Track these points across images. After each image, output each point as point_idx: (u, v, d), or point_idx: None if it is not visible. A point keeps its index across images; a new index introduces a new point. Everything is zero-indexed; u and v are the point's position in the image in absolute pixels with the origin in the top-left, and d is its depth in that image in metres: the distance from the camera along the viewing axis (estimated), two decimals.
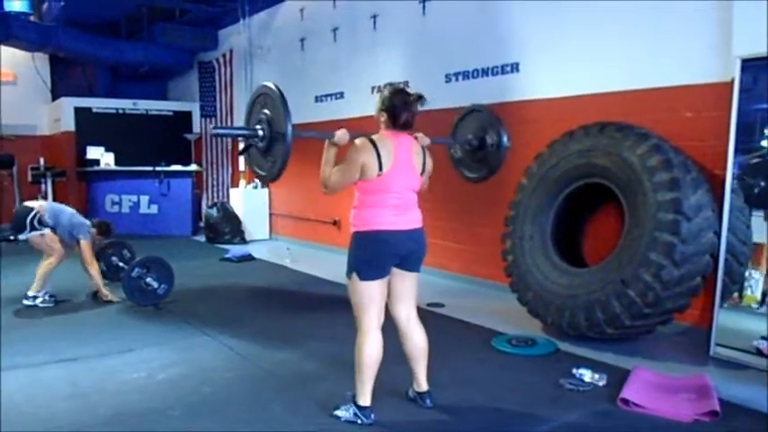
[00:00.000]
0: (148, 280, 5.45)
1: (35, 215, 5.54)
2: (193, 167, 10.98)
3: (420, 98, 3.17)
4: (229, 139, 11.24)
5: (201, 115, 11.86)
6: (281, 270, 7.46)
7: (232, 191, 10.75)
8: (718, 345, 4.08)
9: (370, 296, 3.12)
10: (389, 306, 3.27)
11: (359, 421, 3.09)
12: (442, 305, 5.57)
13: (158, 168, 10.39)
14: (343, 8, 8.14)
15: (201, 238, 10.02)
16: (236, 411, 3.30)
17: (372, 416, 3.10)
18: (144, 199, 10.58)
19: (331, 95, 8.48)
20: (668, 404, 3.24)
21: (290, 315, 5.35)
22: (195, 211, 10.83)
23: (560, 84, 5.45)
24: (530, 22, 5.75)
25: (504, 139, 4.16)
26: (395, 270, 3.20)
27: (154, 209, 10.55)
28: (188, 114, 12.06)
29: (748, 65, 4.03)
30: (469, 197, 6.48)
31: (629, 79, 4.89)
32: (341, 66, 8.22)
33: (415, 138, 3.34)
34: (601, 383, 3.57)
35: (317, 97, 8.75)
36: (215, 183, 11.68)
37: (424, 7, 6.87)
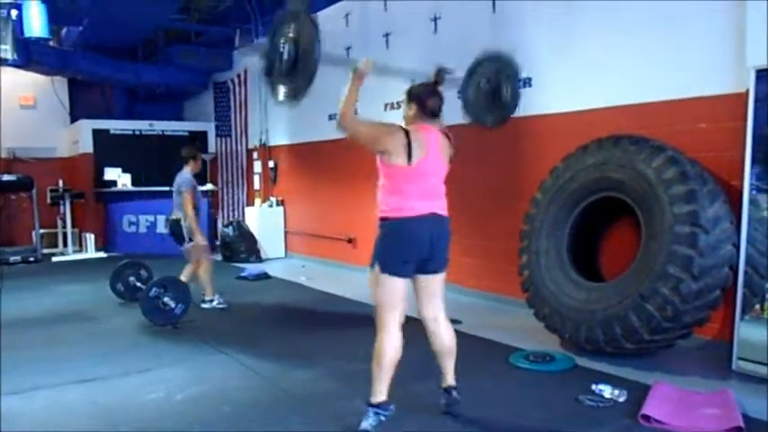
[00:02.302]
0: (165, 299, 5.48)
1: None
2: (209, 186, 11.07)
3: (441, 71, 3.34)
4: (244, 159, 11.33)
5: (217, 135, 11.99)
6: (297, 288, 7.48)
7: (247, 209, 10.82)
8: (740, 358, 4.01)
9: (392, 292, 3.10)
10: (418, 308, 3.30)
11: (382, 417, 3.08)
12: (460, 322, 5.53)
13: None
14: (355, 27, 8.21)
15: (218, 257, 10.06)
16: (255, 430, 3.30)
17: (392, 407, 3.11)
18: (161, 219, 10.64)
19: None
20: (691, 420, 3.19)
21: (306, 333, 5.35)
22: (211, 230, 10.89)
23: (573, 97, 5.45)
24: (541, 37, 5.76)
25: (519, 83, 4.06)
26: (420, 276, 3.22)
27: None
28: (203, 134, 12.18)
29: (763, 75, 4.01)
30: (483, 211, 6.47)
31: (642, 92, 4.88)
32: None
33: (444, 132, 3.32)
34: (621, 399, 3.53)
35: (330, 115, 8.80)
36: (230, 201, 11.77)
37: (435, 25, 6.91)
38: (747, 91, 4.06)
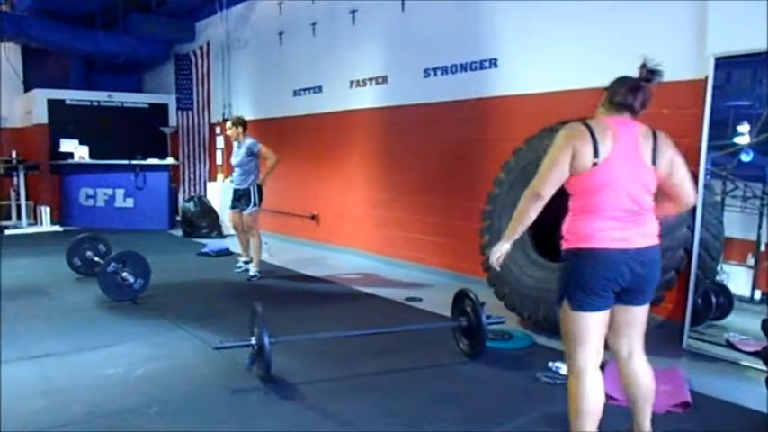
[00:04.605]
0: (124, 275, 5.39)
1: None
2: (170, 161, 10.87)
3: (648, 72, 2.61)
4: (206, 133, 11.16)
5: (178, 108, 11.75)
6: (260, 264, 7.42)
7: (209, 184, 10.67)
8: (690, 337, 4.16)
9: (584, 329, 2.49)
10: (609, 337, 2.64)
11: None
12: (420, 299, 5.61)
13: (134, 162, 10.26)
14: (321, 3, 8.10)
15: (178, 233, 9.94)
16: (214, 407, 3.29)
17: None
18: (119, 192, 10.45)
19: (309, 89, 8.44)
20: None
21: (267, 309, 5.31)
22: (172, 205, 10.73)
23: (538, 79, 5.49)
24: (508, 19, 5.78)
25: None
26: (618, 305, 2.55)
27: (129, 203, 10.43)
28: (164, 107, 11.93)
29: (721, 63, 4.10)
30: (447, 190, 6.51)
31: (607, 76, 4.89)
32: (319, 60, 8.19)
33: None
34: None
35: (295, 91, 8.71)
36: (192, 176, 11.59)
37: (403, 3, 6.86)
38: (706, 78, 4.15)
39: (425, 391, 3.47)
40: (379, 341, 4.25)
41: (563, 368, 3.67)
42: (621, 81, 2.60)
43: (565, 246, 2.59)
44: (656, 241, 2.51)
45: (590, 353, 2.50)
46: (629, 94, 2.54)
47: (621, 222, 2.43)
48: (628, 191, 2.43)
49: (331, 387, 3.58)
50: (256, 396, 3.44)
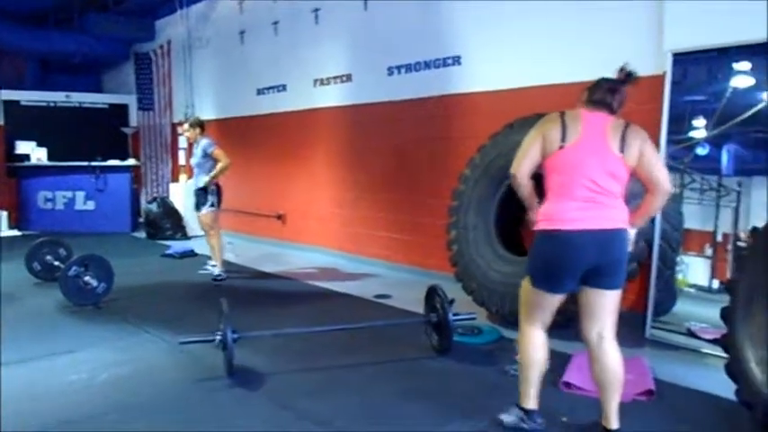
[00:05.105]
0: (87, 278, 5.27)
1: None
2: (131, 162, 10.66)
3: (626, 75, 2.74)
4: (169, 133, 11.00)
5: (139, 108, 11.54)
6: (225, 265, 7.34)
7: (172, 185, 10.51)
8: (653, 327, 4.26)
9: (537, 305, 2.78)
10: (580, 322, 2.80)
11: (525, 426, 2.83)
12: (389, 296, 5.62)
13: (94, 163, 10.04)
14: (283, 3, 8.05)
15: (141, 235, 9.77)
16: (182, 409, 3.25)
17: (540, 420, 2.83)
18: (80, 195, 10.21)
19: (273, 88, 8.38)
20: None
21: (235, 309, 5.26)
22: (134, 207, 10.54)
23: (501, 76, 5.55)
24: (471, 16, 5.82)
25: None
26: (585, 288, 2.70)
27: (90, 205, 10.20)
28: (124, 107, 11.69)
29: (679, 59, 4.21)
30: (413, 188, 6.54)
31: (568, 72, 5.01)
32: (283, 59, 8.13)
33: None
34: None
35: (258, 90, 8.64)
36: (154, 177, 11.40)
37: (365, 2, 6.86)
38: (664, 74, 4.25)
39: (396, 388, 3.48)
40: (349, 339, 4.25)
41: None
42: (601, 82, 2.79)
43: (536, 227, 2.76)
44: (619, 225, 2.62)
45: (538, 322, 2.81)
46: (608, 94, 2.72)
47: (584, 203, 2.58)
48: (591, 175, 2.57)
49: (302, 385, 3.56)
50: (225, 396, 3.41)
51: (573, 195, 2.60)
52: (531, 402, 2.84)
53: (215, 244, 6.51)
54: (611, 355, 2.72)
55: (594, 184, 2.57)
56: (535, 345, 2.81)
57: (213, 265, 6.69)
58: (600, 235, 2.58)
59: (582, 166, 2.58)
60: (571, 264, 2.61)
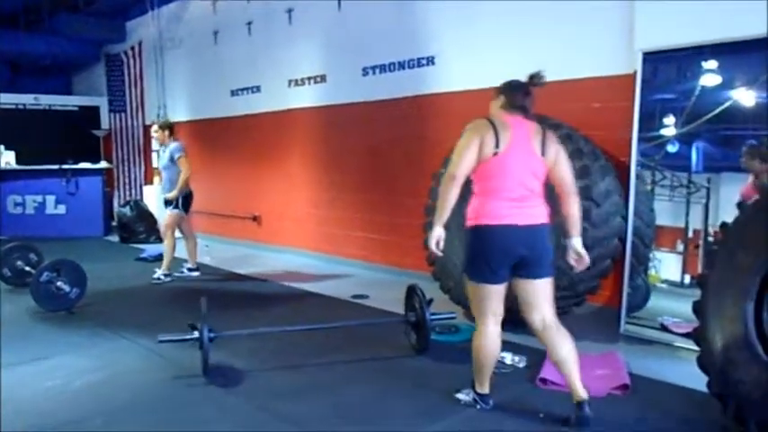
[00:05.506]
0: (59, 284, 5.19)
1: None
2: (103, 165, 10.51)
3: (536, 76, 3.00)
4: (141, 136, 10.87)
5: (110, 110, 11.38)
6: (200, 267, 7.28)
7: (145, 188, 10.39)
8: (627, 323, 4.32)
9: (481, 299, 3.00)
10: (522, 312, 3.03)
11: (478, 406, 3.12)
12: (367, 296, 5.62)
13: (65, 166, 9.86)
14: (256, 3, 8.01)
15: (115, 238, 9.64)
16: (159, 413, 3.21)
17: (491, 401, 3.13)
18: (50, 199, 10.02)
19: (247, 89, 8.33)
20: (583, 381, 3.39)
21: (211, 313, 5.22)
22: (107, 211, 10.39)
23: (475, 76, 5.58)
24: (445, 16, 5.86)
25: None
26: (519, 280, 2.97)
27: (61, 209, 10.02)
28: (95, 109, 11.53)
29: (649, 58, 4.28)
30: (388, 188, 6.55)
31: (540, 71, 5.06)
32: (257, 60, 8.09)
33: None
34: (521, 365, 3.72)
35: (232, 91, 8.58)
36: (127, 180, 11.26)
37: (339, 2, 6.86)
38: (635, 73, 4.31)
39: (374, 387, 3.49)
40: (327, 339, 4.24)
41: (507, 357, 3.76)
42: (517, 87, 3.03)
43: (467, 224, 2.98)
44: (542, 221, 2.93)
45: (488, 318, 2.99)
46: (526, 98, 3.00)
47: (513, 202, 2.87)
48: (520, 177, 2.88)
49: (281, 387, 3.54)
50: (203, 399, 3.38)
51: (504, 196, 2.87)
52: (485, 388, 3.14)
53: (168, 245, 6.51)
54: (558, 336, 2.95)
55: (522, 185, 2.87)
56: (488, 337, 3.01)
57: (190, 269, 6.64)
58: (527, 230, 2.88)
59: (513, 170, 2.87)
60: (503, 254, 2.89)
